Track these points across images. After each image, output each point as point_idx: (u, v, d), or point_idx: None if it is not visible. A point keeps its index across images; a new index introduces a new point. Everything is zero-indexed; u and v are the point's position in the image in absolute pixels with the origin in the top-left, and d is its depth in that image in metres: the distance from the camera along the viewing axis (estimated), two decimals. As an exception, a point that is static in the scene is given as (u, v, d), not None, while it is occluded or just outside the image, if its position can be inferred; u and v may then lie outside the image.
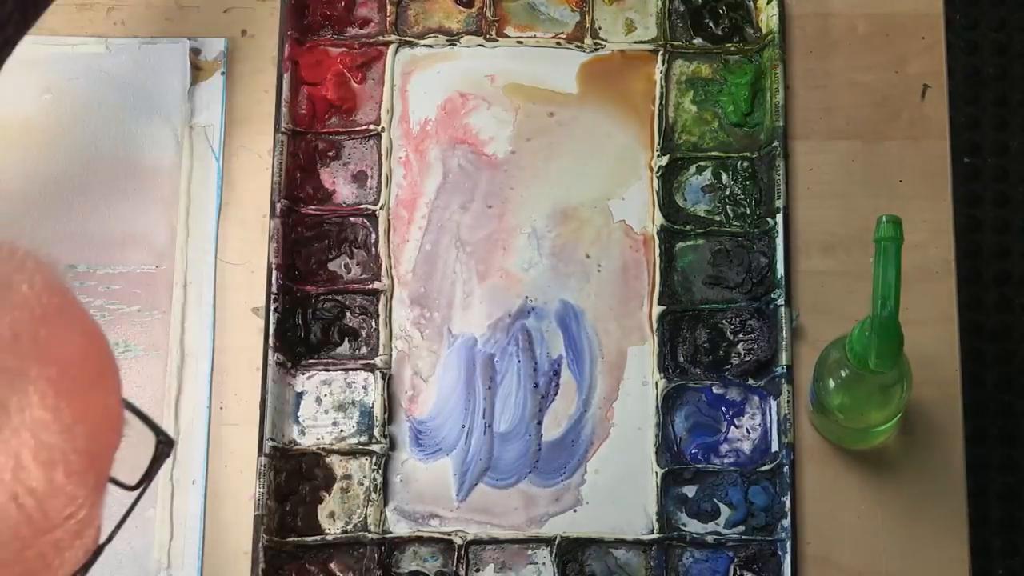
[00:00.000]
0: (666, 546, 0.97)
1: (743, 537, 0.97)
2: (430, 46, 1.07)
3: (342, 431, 1.00)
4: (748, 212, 1.03)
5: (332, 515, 0.99)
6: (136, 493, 0.64)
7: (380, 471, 0.99)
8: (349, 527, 0.99)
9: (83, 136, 1.05)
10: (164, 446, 0.65)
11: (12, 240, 0.57)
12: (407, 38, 1.07)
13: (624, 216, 1.04)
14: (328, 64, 1.06)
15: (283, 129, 1.03)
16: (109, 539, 0.62)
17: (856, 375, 0.89)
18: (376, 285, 1.02)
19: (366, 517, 0.98)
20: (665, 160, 1.04)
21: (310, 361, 1.01)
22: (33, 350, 0.55)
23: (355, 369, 1.01)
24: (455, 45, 1.07)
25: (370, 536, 0.98)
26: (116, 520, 0.63)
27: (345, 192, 1.04)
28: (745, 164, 1.04)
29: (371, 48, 1.07)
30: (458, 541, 0.98)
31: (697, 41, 1.07)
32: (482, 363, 1.01)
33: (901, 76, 1.06)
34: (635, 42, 1.07)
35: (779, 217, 1.01)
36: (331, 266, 1.03)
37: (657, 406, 1.00)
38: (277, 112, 1.04)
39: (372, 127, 1.05)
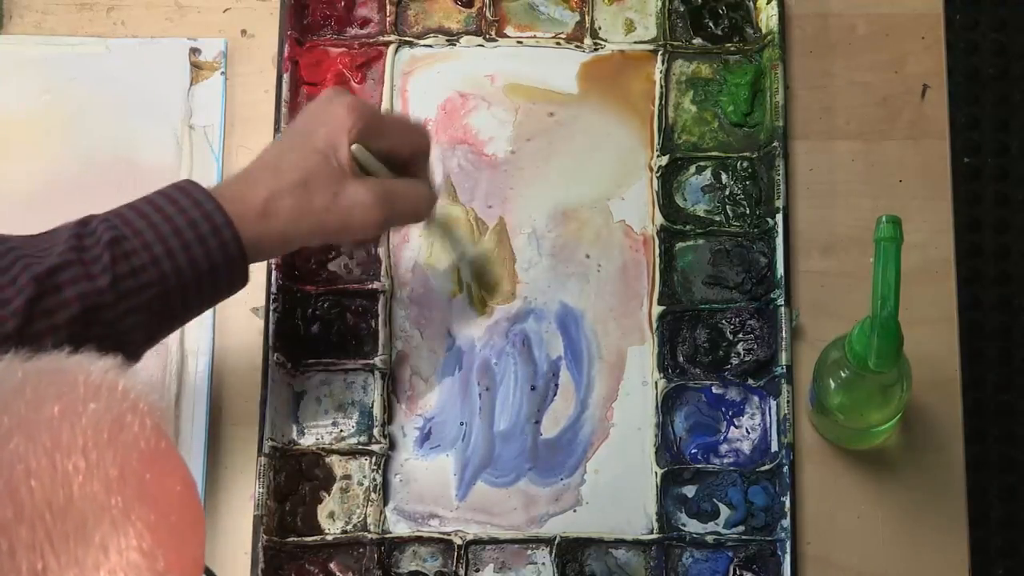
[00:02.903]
0: (666, 546, 0.97)
1: (743, 537, 0.97)
2: (430, 46, 1.07)
3: (342, 431, 1.00)
4: (748, 212, 1.03)
5: (332, 515, 0.99)
6: None
7: (380, 471, 0.99)
8: (349, 527, 0.99)
9: (83, 136, 1.05)
10: None
11: (125, 379, 0.58)
12: (407, 38, 1.07)
13: (624, 216, 1.04)
14: (328, 64, 1.06)
15: (283, 129, 1.03)
16: None
17: (856, 375, 0.89)
18: (376, 285, 1.02)
19: (366, 517, 0.98)
20: (665, 160, 1.04)
21: (310, 361, 1.01)
22: (138, 492, 0.55)
23: (355, 369, 1.01)
24: (455, 45, 1.07)
25: (370, 536, 0.98)
26: None
27: (345, 192, 1.04)
28: (745, 164, 1.04)
29: (371, 48, 1.07)
30: (458, 541, 0.98)
31: (697, 41, 1.07)
32: (481, 363, 1.01)
33: (901, 76, 1.06)
34: (635, 42, 1.07)
35: (779, 217, 1.01)
36: (331, 266, 1.03)
37: (657, 406, 1.00)
38: (277, 112, 1.04)
39: (372, 127, 1.05)
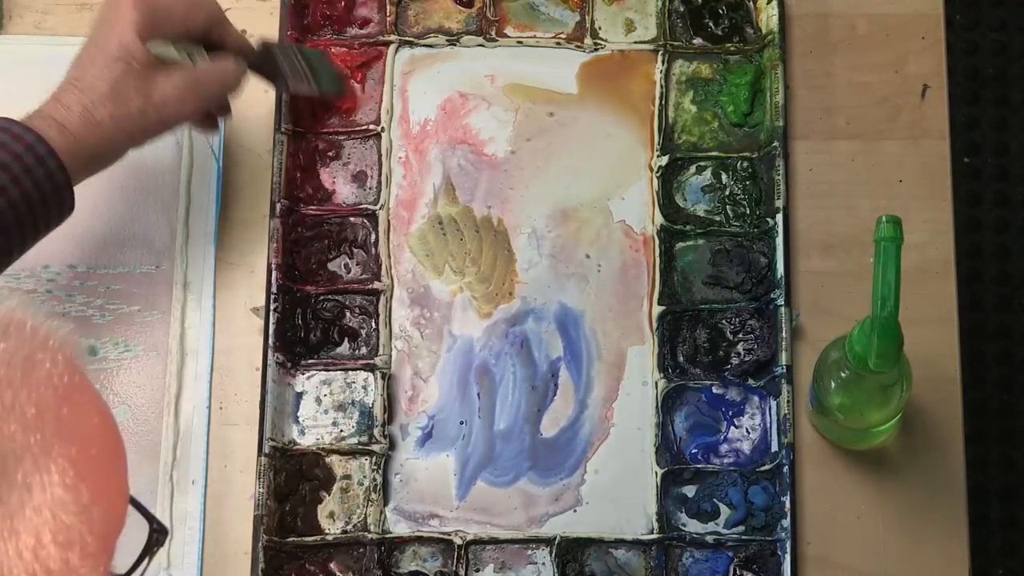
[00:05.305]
0: (666, 546, 0.97)
1: (743, 537, 0.97)
2: (430, 46, 1.07)
3: (342, 431, 1.00)
4: (748, 212, 1.03)
5: (332, 515, 0.99)
6: None
7: (380, 471, 0.99)
8: (349, 527, 0.99)
9: (83, 136, 1.05)
10: (158, 535, 0.65)
11: (32, 316, 0.58)
12: (407, 38, 1.07)
13: (624, 216, 1.04)
14: (328, 64, 1.06)
15: (283, 129, 1.03)
16: None
17: (856, 375, 0.89)
18: (376, 285, 1.02)
19: (366, 517, 0.98)
20: (665, 160, 1.04)
21: (310, 361, 1.01)
22: (56, 428, 0.55)
23: (355, 369, 1.01)
24: (455, 45, 1.07)
25: (370, 536, 0.98)
26: None
27: (345, 192, 1.04)
28: (745, 164, 1.04)
29: (371, 48, 1.07)
30: (458, 541, 0.98)
31: (697, 41, 1.07)
32: (481, 363, 1.01)
33: (901, 76, 1.06)
34: (635, 42, 1.07)
35: (779, 217, 1.01)
36: (331, 266, 1.03)
37: (657, 406, 1.00)
38: (277, 112, 1.04)
39: (372, 127, 1.05)
